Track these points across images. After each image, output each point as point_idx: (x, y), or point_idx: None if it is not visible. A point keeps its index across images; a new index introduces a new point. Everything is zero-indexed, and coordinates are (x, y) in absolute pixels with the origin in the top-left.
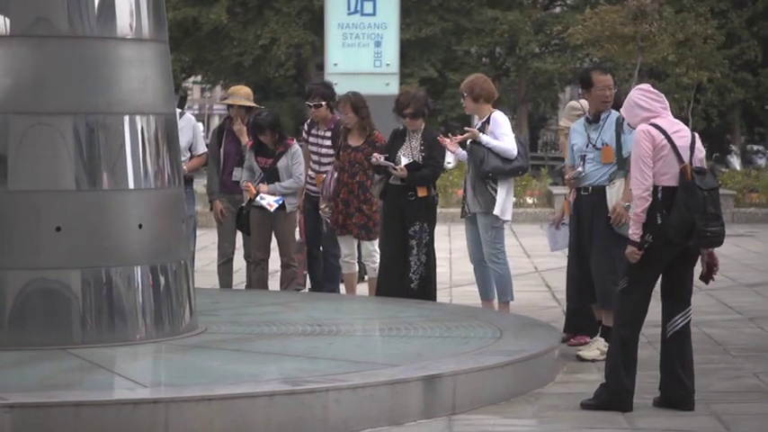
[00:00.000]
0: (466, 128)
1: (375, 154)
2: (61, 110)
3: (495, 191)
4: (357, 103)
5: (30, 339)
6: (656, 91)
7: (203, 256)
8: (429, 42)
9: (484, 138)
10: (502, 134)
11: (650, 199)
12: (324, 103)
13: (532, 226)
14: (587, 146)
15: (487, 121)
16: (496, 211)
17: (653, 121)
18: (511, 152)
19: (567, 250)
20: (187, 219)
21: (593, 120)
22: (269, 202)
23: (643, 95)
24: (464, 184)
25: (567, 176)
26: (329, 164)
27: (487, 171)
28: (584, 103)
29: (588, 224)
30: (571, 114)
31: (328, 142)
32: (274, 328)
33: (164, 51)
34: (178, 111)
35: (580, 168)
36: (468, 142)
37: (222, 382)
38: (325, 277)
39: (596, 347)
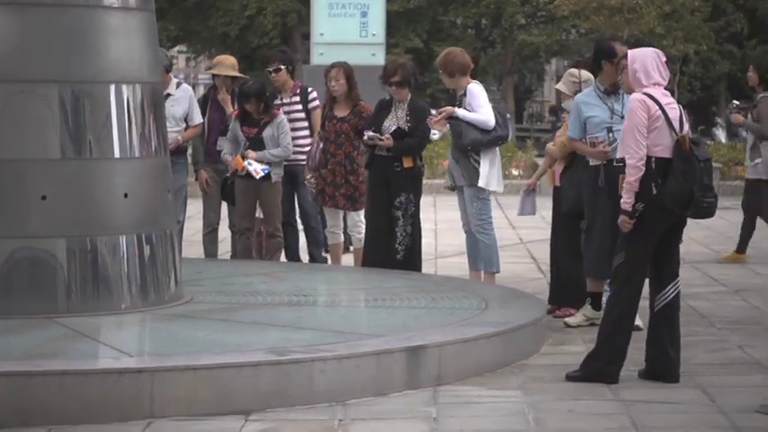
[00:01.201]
0: (439, 110)
1: (368, 133)
2: (47, 78)
3: (479, 162)
4: (349, 71)
5: (15, 308)
6: (667, 68)
7: (188, 226)
8: (415, 13)
9: (460, 112)
10: (478, 106)
11: (644, 168)
12: (283, 67)
13: (517, 197)
14: (612, 117)
15: (464, 94)
16: (481, 183)
17: (646, 90)
18: (488, 123)
19: (551, 221)
20: (177, 188)
21: (612, 91)
22: (255, 168)
23: (657, 61)
24: (449, 156)
25: (600, 148)
26: (303, 129)
27: (466, 144)
28: (585, 73)
29: None
30: (568, 80)
31: (298, 107)
32: (260, 298)
33: (150, 20)
34: (175, 80)
35: (618, 140)
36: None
37: (207, 351)
38: (310, 242)
39: (582, 314)
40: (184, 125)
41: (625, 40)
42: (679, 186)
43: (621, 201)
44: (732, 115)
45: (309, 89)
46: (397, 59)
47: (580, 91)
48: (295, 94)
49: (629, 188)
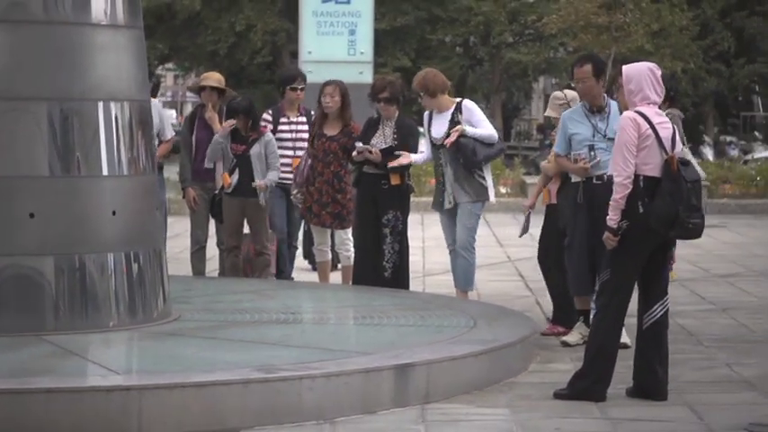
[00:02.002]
0: (453, 130)
1: (359, 145)
2: (35, 96)
3: (483, 178)
4: (345, 90)
5: (2, 325)
6: (662, 83)
7: (176, 244)
8: (403, 31)
9: (470, 130)
10: (479, 120)
11: (630, 187)
12: (305, 86)
13: (506, 215)
14: (594, 135)
15: (459, 111)
16: (492, 198)
17: (639, 108)
18: (494, 136)
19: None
20: (161, 206)
21: (597, 110)
22: (263, 196)
23: (652, 78)
24: (441, 178)
25: (581, 164)
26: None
27: (480, 160)
28: (569, 93)
29: (603, 212)
30: (554, 104)
31: (305, 127)
32: (248, 316)
33: (138, 38)
34: None
35: (598, 158)
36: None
37: (196, 369)
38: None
39: (578, 332)
40: (157, 141)
41: (612, 59)
42: (665, 206)
43: (607, 217)
44: None
45: (313, 111)
46: (385, 77)
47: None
48: (301, 115)
49: (615, 206)
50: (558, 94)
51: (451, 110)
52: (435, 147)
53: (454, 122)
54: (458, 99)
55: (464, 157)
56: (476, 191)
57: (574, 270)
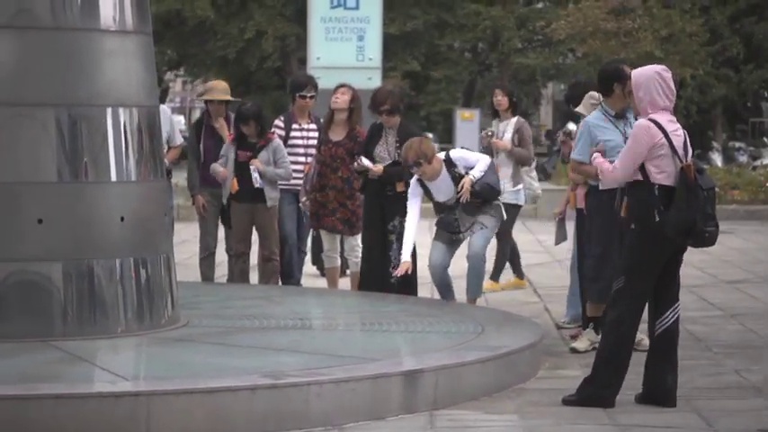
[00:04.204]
0: (461, 189)
1: (358, 160)
2: (43, 101)
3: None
4: (356, 95)
5: (10, 331)
6: (672, 86)
7: (185, 250)
8: (412, 36)
9: (476, 175)
10: (475, 161)
11: (615, 186)
12: (315, 94)
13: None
14: (625, 141)
15: (452, 166)
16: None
17: (652, 116)
18: (489, 161)
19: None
20: (170, 211)
21: (621, 115)
22: (256, 177)
23: (661, 83)
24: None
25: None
26: None
27: (499, 190)
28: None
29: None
30: (589, 103)
31: (315, 134)
32: (256, 322)
33: (147, 43)
34: None
35: None
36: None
37: (204, 375)
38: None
39: (587, 339)
40: (166, 147)
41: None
42: (682, 215)
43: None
44: (491, 140)
45: (322, 119)
46: (385, 87)
47: None
48: (312, 122)
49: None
50: (594, 93)
51: (444, 170)
52: (448, 207)
53: (457, 178)
54: (441, 156)
55: (485, 198)
56: (496, 210)
57: (606, 278)
